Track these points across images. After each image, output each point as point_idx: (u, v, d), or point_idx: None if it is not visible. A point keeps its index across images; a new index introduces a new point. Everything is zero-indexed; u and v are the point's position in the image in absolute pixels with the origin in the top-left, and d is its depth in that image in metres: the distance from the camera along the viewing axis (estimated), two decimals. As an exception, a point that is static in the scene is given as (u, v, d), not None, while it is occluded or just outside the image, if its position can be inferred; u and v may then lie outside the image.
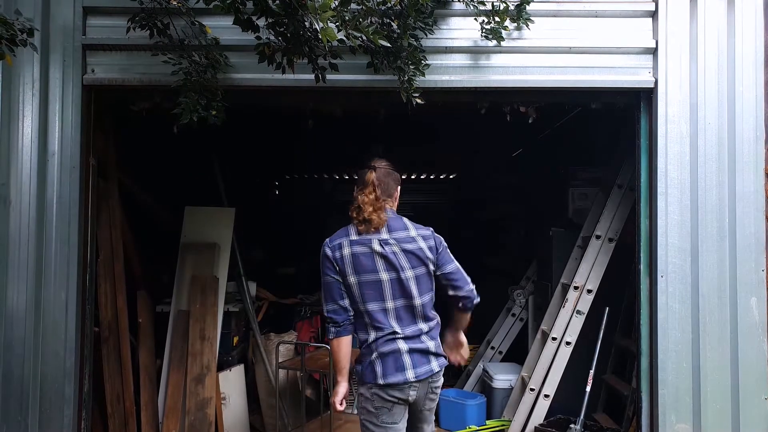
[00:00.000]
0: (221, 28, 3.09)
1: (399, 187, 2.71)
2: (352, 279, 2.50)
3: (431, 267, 2.59)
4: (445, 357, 2.65)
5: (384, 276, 2.51)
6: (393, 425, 2.49)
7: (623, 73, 3.34)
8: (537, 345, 4.50)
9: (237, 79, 3.24)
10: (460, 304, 2.66)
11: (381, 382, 2.46)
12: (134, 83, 3.27)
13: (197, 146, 4.70)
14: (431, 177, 9.98)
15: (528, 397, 4.20)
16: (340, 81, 3.11)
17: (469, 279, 2.69)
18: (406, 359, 2.49)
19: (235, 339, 4.34)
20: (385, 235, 2.55)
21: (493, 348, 5.47)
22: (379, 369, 2.48)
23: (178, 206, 4.41)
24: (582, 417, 3.92)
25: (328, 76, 2.86)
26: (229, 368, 4.17)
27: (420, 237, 2.60)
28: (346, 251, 2.52)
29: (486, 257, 6.99)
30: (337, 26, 2.46)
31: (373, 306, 2.50)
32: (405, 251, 2.54)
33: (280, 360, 3.87)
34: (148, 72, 3.22)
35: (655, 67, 3.32)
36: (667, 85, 3.30)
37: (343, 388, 2.55)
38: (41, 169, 3.18)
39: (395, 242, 2.55)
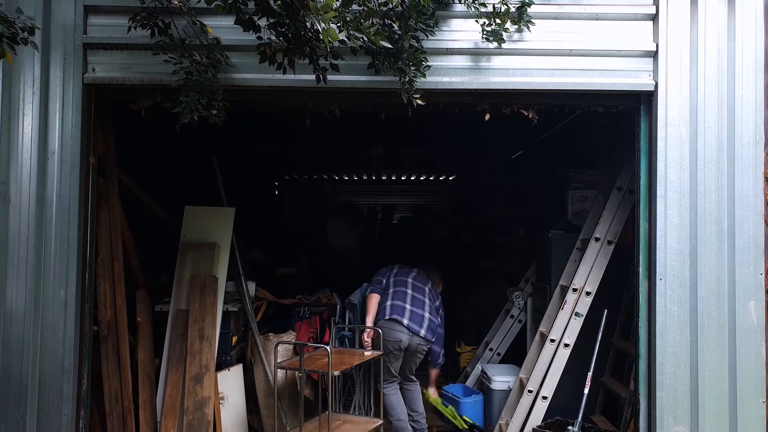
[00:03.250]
0: (222, 28, 3.10)
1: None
2: (391, 281, 4.54)
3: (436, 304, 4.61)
4: (431, 341, 4.42)
5: (408, 290, 4.47)
6: (395, 361, 4.32)
7: (623, 76, 3.34)
8: (535, 347, 4.50)
9: (238, 79, 3.24)
10: (429, 357, 4.63)
11: (389, 339, 4.27)
12: (135, 82, 3.27)
13: (197, 146, 4.70)
14: (430, 178, 9.98)
15: (526, 399, 4.20)
16: (340, 82, 3.12)
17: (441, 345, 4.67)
18: (404, 329, 4.27)
19: (234, 339, 4.33)
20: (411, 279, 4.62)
21: (491, 350, 5.47)
22: (389, 334, 4.26)
23: (178, 206, 4.40)
24: (580, 419, 3.92)
25: (329, 77, 2.87)
26: (228, 368, 4.17)
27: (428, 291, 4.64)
28: (395, 271, 4.62)
29: (485, 259, 6.99)
30: (338, 27, 2.47)
31: (396, 302, 4.37)
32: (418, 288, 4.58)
33: (278, 360, 3.86)
34: (149, 71, 3.23)
35: (655, 71, 3.32)
36: (667, 89, 3.30)
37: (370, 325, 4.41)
38: (41, 168, 3.18)
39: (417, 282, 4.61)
